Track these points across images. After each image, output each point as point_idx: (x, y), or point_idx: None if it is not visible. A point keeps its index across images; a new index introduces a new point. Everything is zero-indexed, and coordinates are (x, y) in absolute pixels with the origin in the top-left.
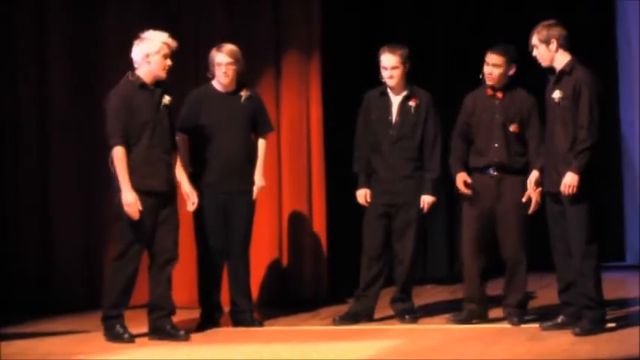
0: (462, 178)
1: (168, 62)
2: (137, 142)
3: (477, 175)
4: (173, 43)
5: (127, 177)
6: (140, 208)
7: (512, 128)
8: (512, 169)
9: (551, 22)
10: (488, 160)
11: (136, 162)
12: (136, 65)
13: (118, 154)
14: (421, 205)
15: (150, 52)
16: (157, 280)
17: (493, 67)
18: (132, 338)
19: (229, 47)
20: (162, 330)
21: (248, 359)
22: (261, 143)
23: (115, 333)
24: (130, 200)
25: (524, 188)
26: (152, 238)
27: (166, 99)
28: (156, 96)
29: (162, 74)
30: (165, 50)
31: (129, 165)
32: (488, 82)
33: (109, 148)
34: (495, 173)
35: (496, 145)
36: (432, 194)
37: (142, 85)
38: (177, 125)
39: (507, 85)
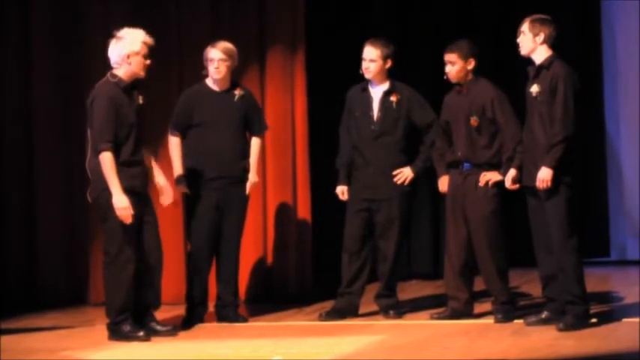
0: (443, 182)
1: (148, 62)
2: (124, 144)
3: (450, 171)
4: (151, 41)
5: (117, 181)
6: (132, 211)
7: (472, 122)
8: (477, 164)
9: (547, 17)
10: (455, 156)
11: (123, 163)
12: (114, 65)
13: (107, 159)
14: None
15: (130, 52)
16: (145, 279)
17: (449, 64)
18: (147, 336)
19: (224, 44)
20: (147, 326)
21: (234, 355)
22: (256, 141)
23: (126, 333)
24: (124, 204)
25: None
26: (140, 239)
27: (140, 99)
28: (134, 97)
29: (143, 74)
30: (145, 50)
31: (117, 166)
32: (452, 81)
33: (97, 152)
34: (464, 169)
35: (460, 140)
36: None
37: (125, 88)
38: (170, 123)
39: (473, 79)
